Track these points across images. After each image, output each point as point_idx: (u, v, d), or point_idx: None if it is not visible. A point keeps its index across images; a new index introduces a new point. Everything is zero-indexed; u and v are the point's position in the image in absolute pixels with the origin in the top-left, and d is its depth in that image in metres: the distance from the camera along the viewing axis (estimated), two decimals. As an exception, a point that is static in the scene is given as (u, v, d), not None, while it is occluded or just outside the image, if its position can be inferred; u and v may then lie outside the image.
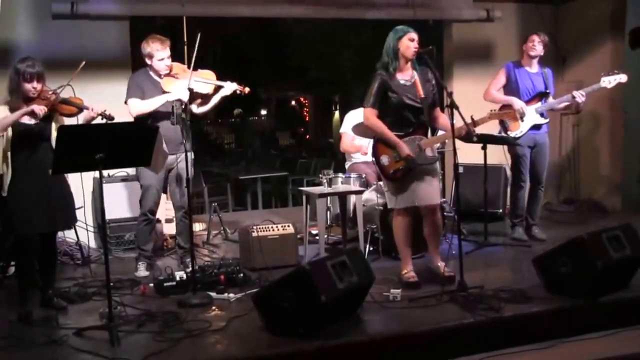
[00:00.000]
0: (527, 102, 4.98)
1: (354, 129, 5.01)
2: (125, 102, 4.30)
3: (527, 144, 5.01)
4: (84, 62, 3.64)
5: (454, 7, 6.42)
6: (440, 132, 4.05)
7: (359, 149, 5.30)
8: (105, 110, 3.74)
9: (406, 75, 3.90)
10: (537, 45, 4.97)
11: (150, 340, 3.14)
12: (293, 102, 21.45)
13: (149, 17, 6.68)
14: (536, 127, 4.99)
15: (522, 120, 4.95)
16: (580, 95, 4.84)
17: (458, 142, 3.85)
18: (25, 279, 3.62)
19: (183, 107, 3.98)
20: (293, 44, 14.13)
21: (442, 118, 4.02)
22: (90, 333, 3.23)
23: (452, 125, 3.75)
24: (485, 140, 4.86)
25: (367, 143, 5.09)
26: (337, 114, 18.21)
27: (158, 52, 4.27)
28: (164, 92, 4.27)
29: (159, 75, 4.33)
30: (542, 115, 4.99)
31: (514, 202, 5.18)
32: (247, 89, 4.45)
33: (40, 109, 3.46)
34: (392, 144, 3.85)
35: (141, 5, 5.59)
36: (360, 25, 11.45)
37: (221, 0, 5.82)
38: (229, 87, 4.36)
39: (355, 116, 5.34)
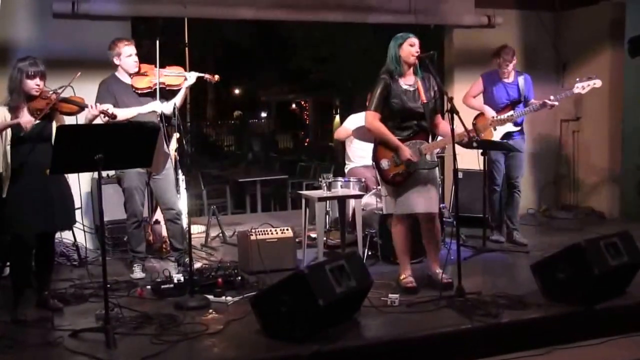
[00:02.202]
0: (501, 110, 5.11)
1: (354, 132, 5.01)
2: None
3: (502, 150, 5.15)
4: (79, 73, 3.64)
5: (456, 13, 6.43)
6: (440, 138, 4.05)
7: (347, 133, 5.24)
8: (107, 109, 3.74)
9: (409, 81, 3.91)
10: (507, 64, 5.13)
11: (147, 342, 3.12)
12: (293, 105, 21.48)
13: (150, 17, 6.69)
14: (507, 135, 5.09)
15: (495, 129, 5.07)
16: (550, 103, 4.93)
17: (458, 148, 3.86)
18: (20, 279, 3.61)
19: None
20: (294, 47, 14.15)
21: (443, 125, 4.03)
22: (86, 335, 3.22)
23: (453, 130, 3.75)
24: (485, 146, 4.88)
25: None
26: (337, 117, 18.21)
27: (126, 48, 4.33)
28: (136, 89, 4.33)
29: (129, 76, 4.37)
30: (515, 123, 5.09)
31: (490, 206, 5.26)
32: (216, 77, 4.47)
33: (27, 122, 3.44)
34: (393, 147, 3.85)
35: (143, 6, 5.59)
36: (361, 29, 11.48)
37: (223, 2, 5.82)
38: (192, 76, 4.39)
39: (357, 119, 5.34)
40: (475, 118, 5.16)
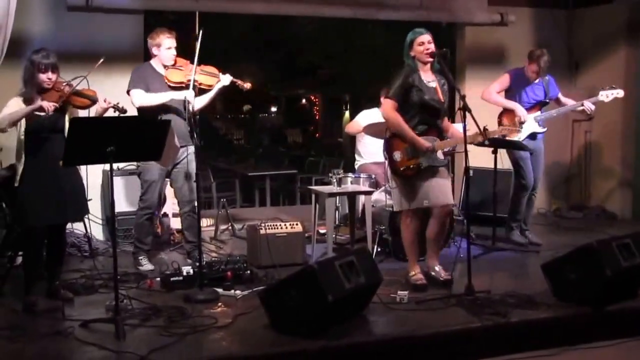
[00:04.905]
0: (527, 110, 5.06)
1: (366, 129, 5.00)
2: (128, 92, 4.35)
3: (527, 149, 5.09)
4: (102, 59, 3.67)
5: (468, 10, 6.38)
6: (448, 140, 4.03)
7: (359, 128, 5.23)
8: (118, 103, 3.76)
9: (429, 77, 3.90)
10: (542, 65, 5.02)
11: (156, 334, 3.14)
12: (303, 101, 21.46)
13: (163, 11, 6.70)
14: (532, 136, 5.05)
15: (521, 128, 5.02)
16: (589, 107, 4.99)
17: (469, 145, 3.83)
18: (31, 269, 3.64)
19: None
20: (304, 42, 14.11)
21: (453, 128, 4.02)
22: (96, 325, 3.24)
23: (465, 127, 3.72)
24: (497, 144, 4.85)
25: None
26: (347, 113, 18.18)
27: (167, 40, 4.37)
28: (169, 82, 4.36)
29: (164, 67, 4.40)
30: (539, 124, 5.06)
31: (515, 205, 5.19)
32: (247, 85, 4.52)
33: (49, 105, 3.46)
34: (408, 139, 3.82)
35: (156, 0, 5.60)
36: (373, 25, 11.41)
37: (234, -3, 5.82)
38: (226, 79, 4.46)
39: (369, 115, 5.33)
40: (501, 115, 5.10)
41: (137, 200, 5.23)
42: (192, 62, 4.32)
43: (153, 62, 4.45)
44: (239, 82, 4.49)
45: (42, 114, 3.50)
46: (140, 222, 4.49)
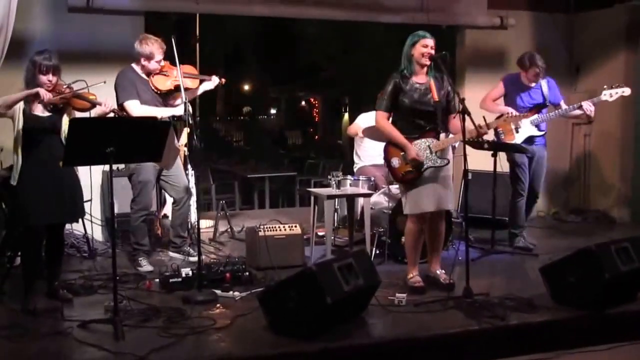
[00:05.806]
0: (524, 114, 4.99)
1: (365, 132, 5.01)
2: (121, 104, 4.29)
3: (526, 154, 5.05)
4: (104, 81, 3.75)
5: (468, 14, 6.40)
6: (450, 136, 4.04)
7: (357, 131, 5.29)
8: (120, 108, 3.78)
9: (421, 79, 3.91)
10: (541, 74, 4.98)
11: (155, 335, 3.14)
12: (303, 102, 21.49)
13: (163, 12, 6.72)
14: (529, 140, 5.00)
15: (517, 132, 4.99)
16: (588, 107, 4.85)
17: (468, 149, 3.84)
18: (31, 269, 3.64)
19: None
20: (304, 44, 14.15)
21: (454, 122, 4.02)
22: (95, 326, 3.24)
23: (464, 131, 3.73)
24: (496, 147, 4.85)
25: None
26: (346, 115, 18.21)
27: (158, 54, 4.38)
28: (155, 89, 4.42)
29: (147, 74, 4.43)
30: (537, 127, 5.02)
31: (515, 211, 5.15)
32: (222, 80, 4.77)
33: (46, 93, 3.47)
34: (401, 146, 3.86)
35: (156, 1, 5.62)
36: (373, 27, 11.45)
37: (235, -1, 5.83)
38: (214, 81, 4.65)
39: (368, 117, 5.34)
40: (496, 120, 5.09)
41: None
42: (172, 64, 4.36)
43: (136, 67, 4.43)
44: (222, 80, 4.69)
45: (45, 114, 3.50)
46: (136, 224, 4.49)
